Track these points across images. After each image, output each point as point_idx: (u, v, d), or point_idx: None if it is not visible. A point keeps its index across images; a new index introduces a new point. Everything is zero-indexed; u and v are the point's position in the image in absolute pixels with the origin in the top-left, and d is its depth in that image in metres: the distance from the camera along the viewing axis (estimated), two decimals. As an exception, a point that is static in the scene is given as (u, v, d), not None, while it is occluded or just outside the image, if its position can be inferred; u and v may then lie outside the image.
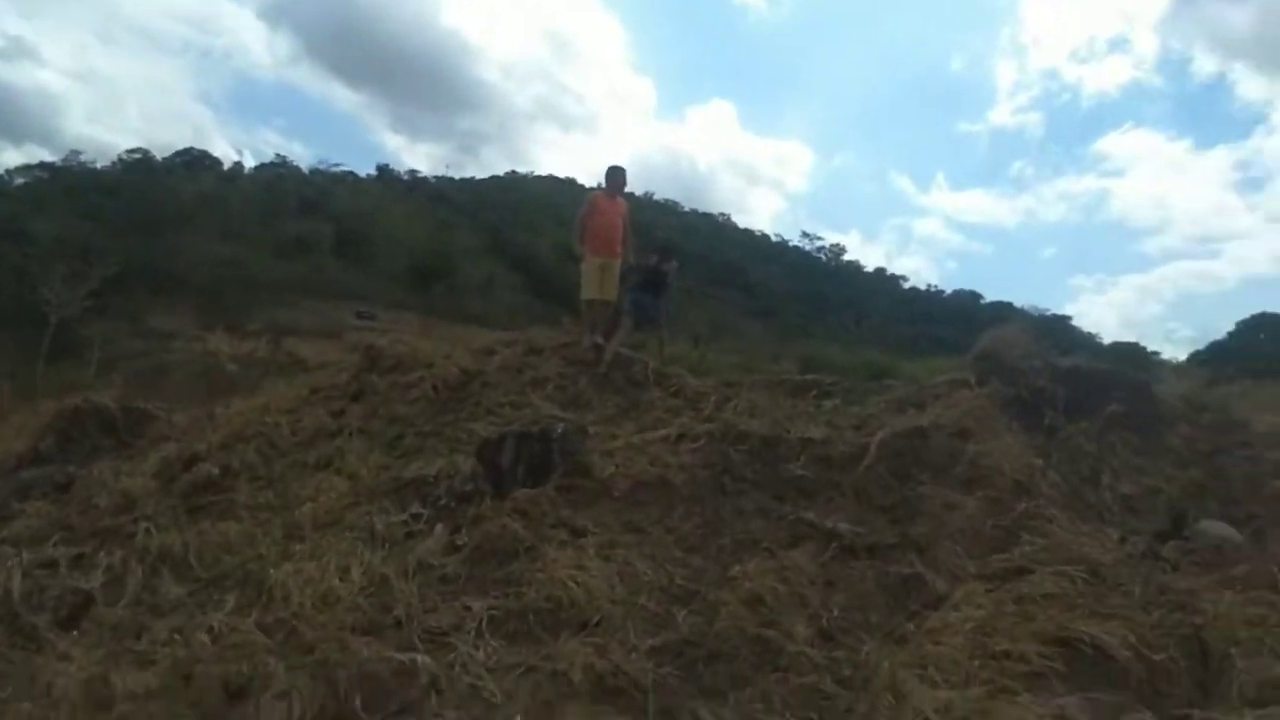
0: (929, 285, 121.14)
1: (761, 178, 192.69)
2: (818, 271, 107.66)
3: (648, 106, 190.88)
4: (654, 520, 4.52)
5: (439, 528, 4.71)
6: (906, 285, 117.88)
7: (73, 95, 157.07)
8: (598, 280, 8.04)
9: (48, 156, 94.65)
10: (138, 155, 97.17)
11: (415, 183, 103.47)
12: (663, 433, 5.46)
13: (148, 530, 5.55)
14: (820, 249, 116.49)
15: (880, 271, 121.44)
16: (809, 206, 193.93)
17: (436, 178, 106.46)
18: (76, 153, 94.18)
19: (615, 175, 8.37)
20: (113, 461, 7.45)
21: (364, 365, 8.03)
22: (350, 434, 6.80)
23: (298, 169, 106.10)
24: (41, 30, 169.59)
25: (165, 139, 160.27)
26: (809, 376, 9.02)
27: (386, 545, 4.67)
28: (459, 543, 4.52)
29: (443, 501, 4.97)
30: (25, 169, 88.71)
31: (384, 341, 8.34)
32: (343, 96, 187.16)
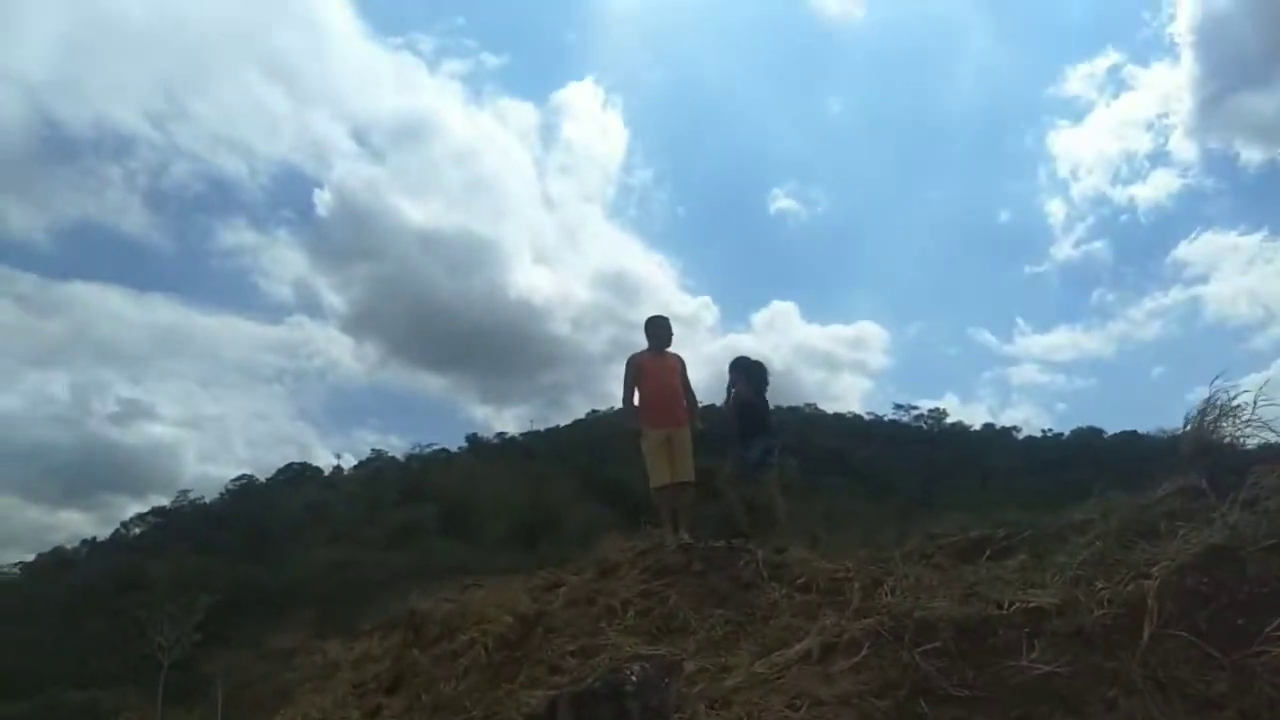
0: (1044, 430, 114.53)
1: (841, 363, 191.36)
2: (923, 441, 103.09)
3: (712, 322, 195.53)
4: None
5: None
6: (1021, 436, 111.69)
7: (185, 441, 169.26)
8: (665, 458, 6.40)
9: (163, 503, 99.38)
10: (243, 481, 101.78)
11: (504, 444, 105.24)
12: (800, 647, 3.52)
13: None
14: (919, 417, 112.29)
15: (989, 427, 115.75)
16: (896, 380, 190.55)
17: (523, 435, 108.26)
18: (185, 492, 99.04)
19: (656, 326, 6.93)
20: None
21: (406, 641, 6.32)
22: (385, 742, 5.01)
23: (394, 459, 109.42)
24: (152, 390, 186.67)
25: (271, 461, 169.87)
26: (973, 534, 6.94)
27: None
28: None
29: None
30: (140, 518, 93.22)
31: (426, 605, 6.65)
32: (432, 383, 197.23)
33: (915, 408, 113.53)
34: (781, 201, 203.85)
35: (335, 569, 65.49)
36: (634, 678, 3.12)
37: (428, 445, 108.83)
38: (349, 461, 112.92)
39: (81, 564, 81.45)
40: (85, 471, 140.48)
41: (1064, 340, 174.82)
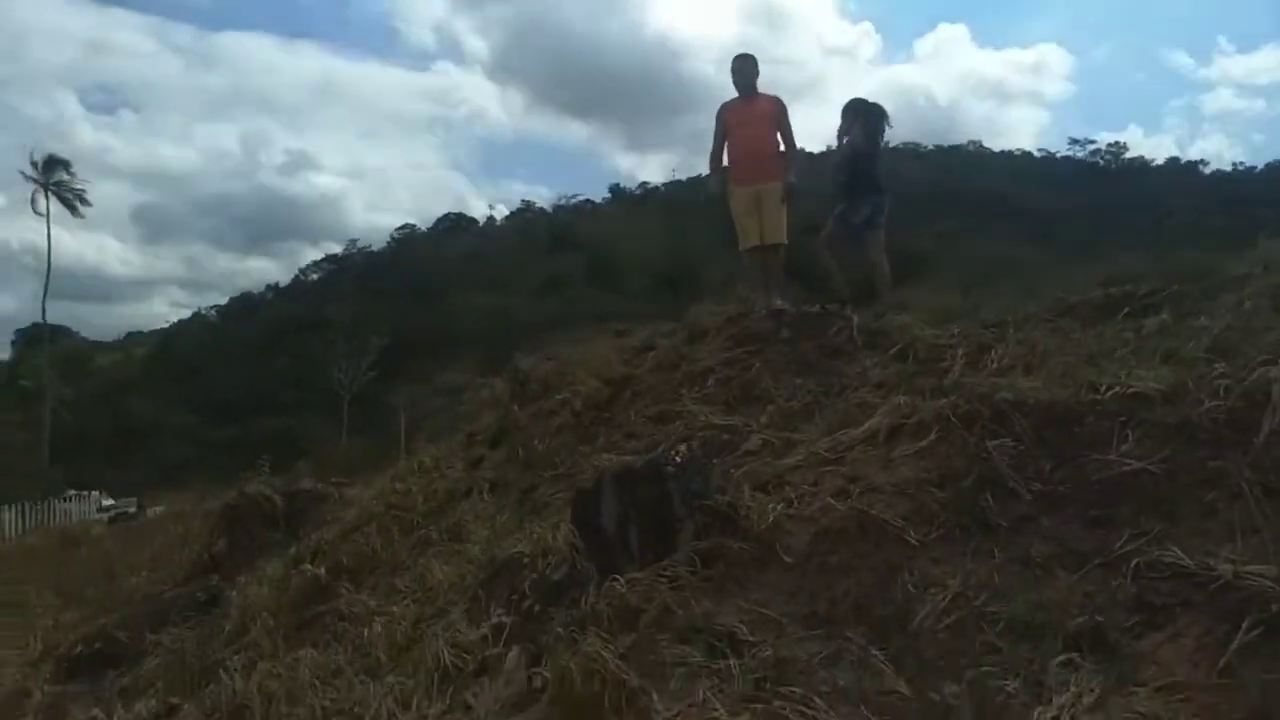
0: (1235, 164, 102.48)
1: (1014, 94, 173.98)
2: (1098, 179, 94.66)
3: (872, 52, 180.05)
4: (855, 606, 2.39)
5: (513, 654, 2.90)
6: (1209, 171, 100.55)
7: (349, 190, 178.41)
8: (755, 217, 5.92)
9: (336, 249, 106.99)
10: (406, 230, 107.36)
11: (646, 194, 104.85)
12: (867, 426, 3.25)
13: (231, 669, 4.31)
14: (1095, 153, 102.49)
15: (1174, 162, 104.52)
16: (1076, 112, 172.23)
17: (666, 185, 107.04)
18: (354, 240, 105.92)
19: (742, 66, 6.15)
20: (267, 562, 6.50)
21: (510, 396, 6.51)
22: (482, 492, 5.26)
23: (543, 210, 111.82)
24: (314, 141, 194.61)
25: (431, 210, 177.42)
26: (1112, 291, 6.25)
27: (450, 688, 2.96)
28: (537, 683, 2.69)
29: (528, 602, 3.16)
30: (315, 265, 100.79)
31: (529, 362, 6.75)
32: (576, 131, 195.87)
33: (1093, 142, 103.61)
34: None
35: (492, 315, 69.57)
36: (678, 458, 2.97)
37: (573, 196, 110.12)
38: (501, 211, 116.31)
39: (267, 307, 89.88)
40: (263, 220, 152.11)
41: (1270, 61, 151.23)
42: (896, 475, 2.81)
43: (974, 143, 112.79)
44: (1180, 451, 2.42)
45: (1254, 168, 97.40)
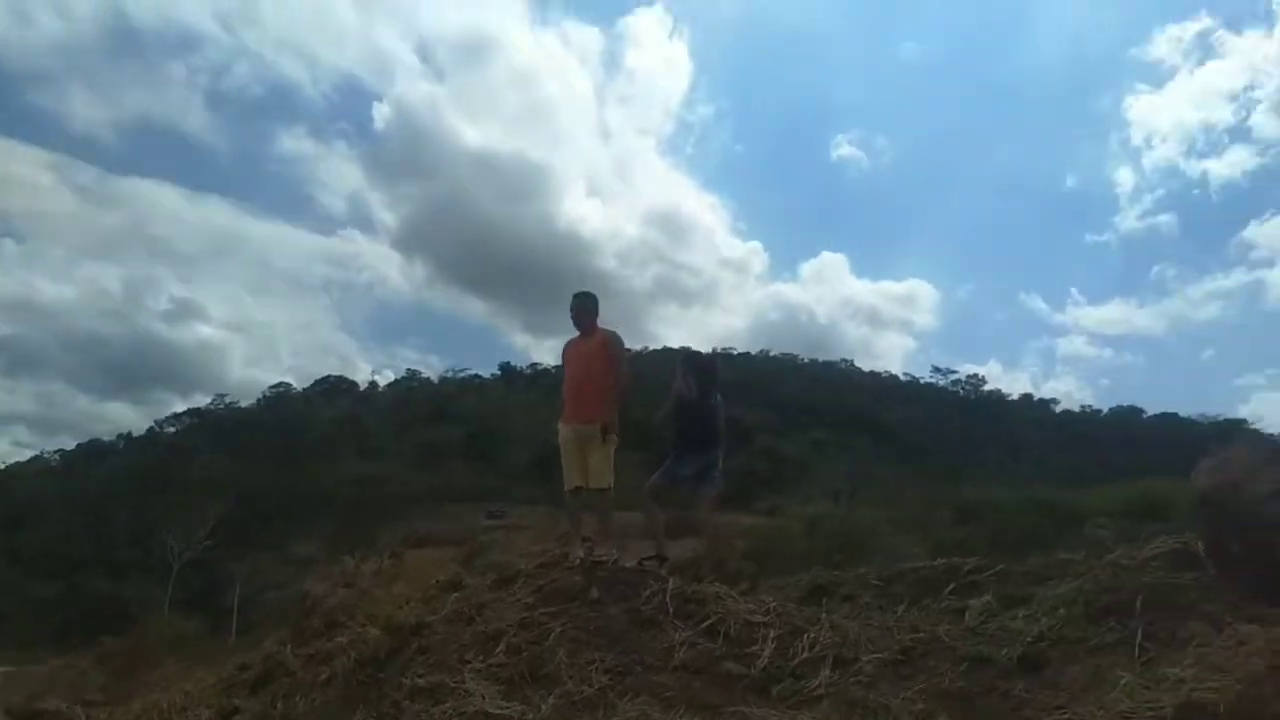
0: (1083, 406, 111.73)
1: (887, 321, 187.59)
2: (959, 407, 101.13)
3: (760, 269, 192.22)
4: None
5: None
6: (1059, 409, 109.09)
7: (233, 345, 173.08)
8: (577, 458, 5.64)
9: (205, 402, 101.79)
10: (280, 389, 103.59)
11: (536, 375, 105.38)
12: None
13: None
14: (956, 382, 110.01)
15: (1028, 398, 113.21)
16: (940, 342, 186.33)
17: (557, 368, 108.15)
18: (222, 395, 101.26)
19: (579, 305, 6.05)
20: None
21: (291, 630, 5.76)
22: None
23: (428, 380, 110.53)
24: (203, 291, 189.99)
25: (313, 370, 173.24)
26: (938, 563, 6.14)
27: None
28: None
29: None
30: (175, 417, 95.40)
31: (322, 588, 6.05)
32: (475, 308, 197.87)
33: (954, 372, 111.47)
34: (844, 149, 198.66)
35: (361, 483, 66.51)
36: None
37: (462, 369, 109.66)
38: (386, 378, 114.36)
39: (115, 456, 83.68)
40: (135, 366, 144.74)
41: (1117, 314, 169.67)
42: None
43: (846, 361, 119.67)
44: None
45: (1099, 411, 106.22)
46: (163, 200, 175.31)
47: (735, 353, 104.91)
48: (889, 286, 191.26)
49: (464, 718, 3.60)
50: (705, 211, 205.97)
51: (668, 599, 4.57)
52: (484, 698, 3.74)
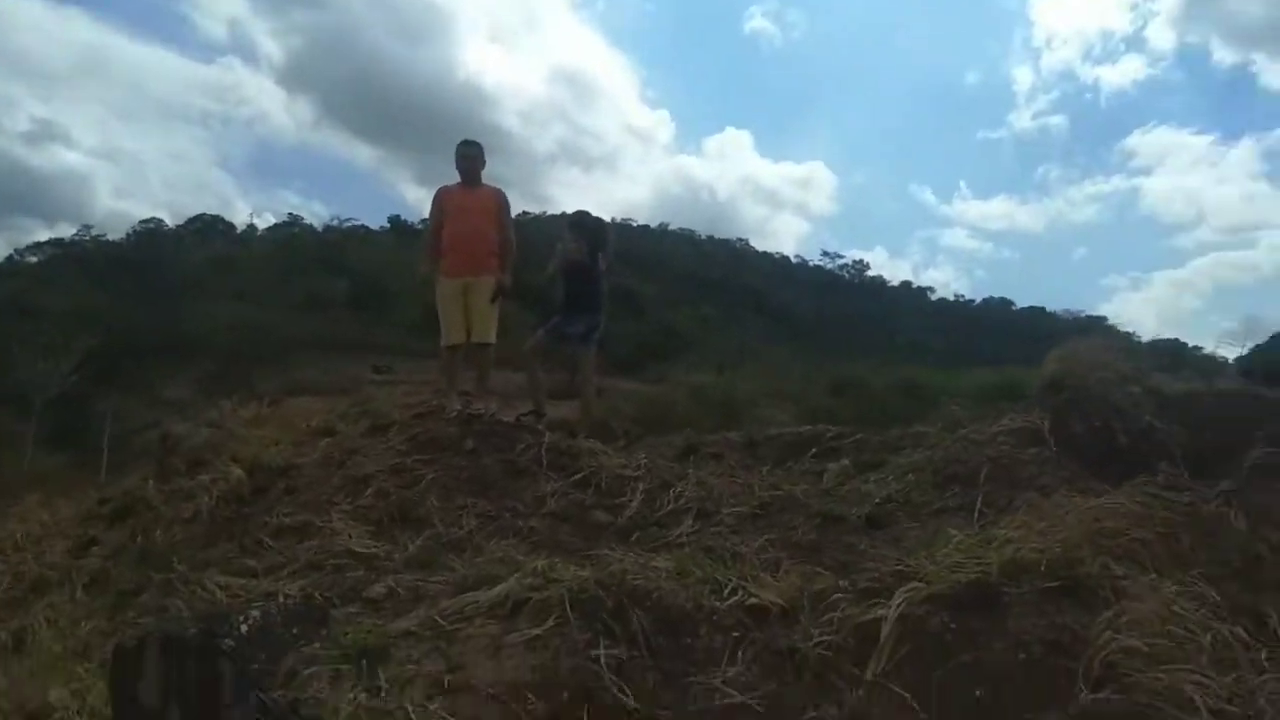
0: (958, 295, 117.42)
1: (784, 202, 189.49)
2: (843, 290, 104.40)
3: (666, 139, 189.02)
4: None
5: None
6: (935, 297, 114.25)
7: (100, 173, 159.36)
8: (459, 312, 5.55)
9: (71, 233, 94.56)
10: (150, 225, 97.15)
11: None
12: (499, 591, 2.87)
13: None
14: (843, 267, 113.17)
15: (907, 285, 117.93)
16: (833, 227, 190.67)
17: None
18: (88, 226, 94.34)
19: (468, 153, 5.84)
20: None
21: (155, 465, 5.61)
22: (75, 587, 4.35)
23: (312, 227, 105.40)
24: (67, 113, 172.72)
25: (190, 208, 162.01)
26: (804, 429, 6.44)
27: None
28: None
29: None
30: (36, 246, 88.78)
31: (184, 427, 5.89)
32: (364, 154, 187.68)
33: (841, 256, 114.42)
34: (758, 21, 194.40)
35: (239, 328, 63.91)
36: (244, 626, 2.43)
37: (348, 219, 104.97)
38: (266, 221, 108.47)
39: (-29, 285, 77.47)
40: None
41: (1000, 209, 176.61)
42: (500, 671, 2.44)
43: (742, 240, 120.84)
44: (785, 686, 2.23)
45: (973, 301, 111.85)
46: (21, 11, 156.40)
47: (635, 224, 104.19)
48: (789, 168, 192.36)
49: (330, 555, 3.63)
50: (615, 73, 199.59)
51: (542, 451, 4.65)
52: (350, 536, 3.78)
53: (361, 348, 58.74)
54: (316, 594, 3.20)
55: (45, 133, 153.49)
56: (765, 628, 2.40)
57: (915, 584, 2.34)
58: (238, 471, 4.63)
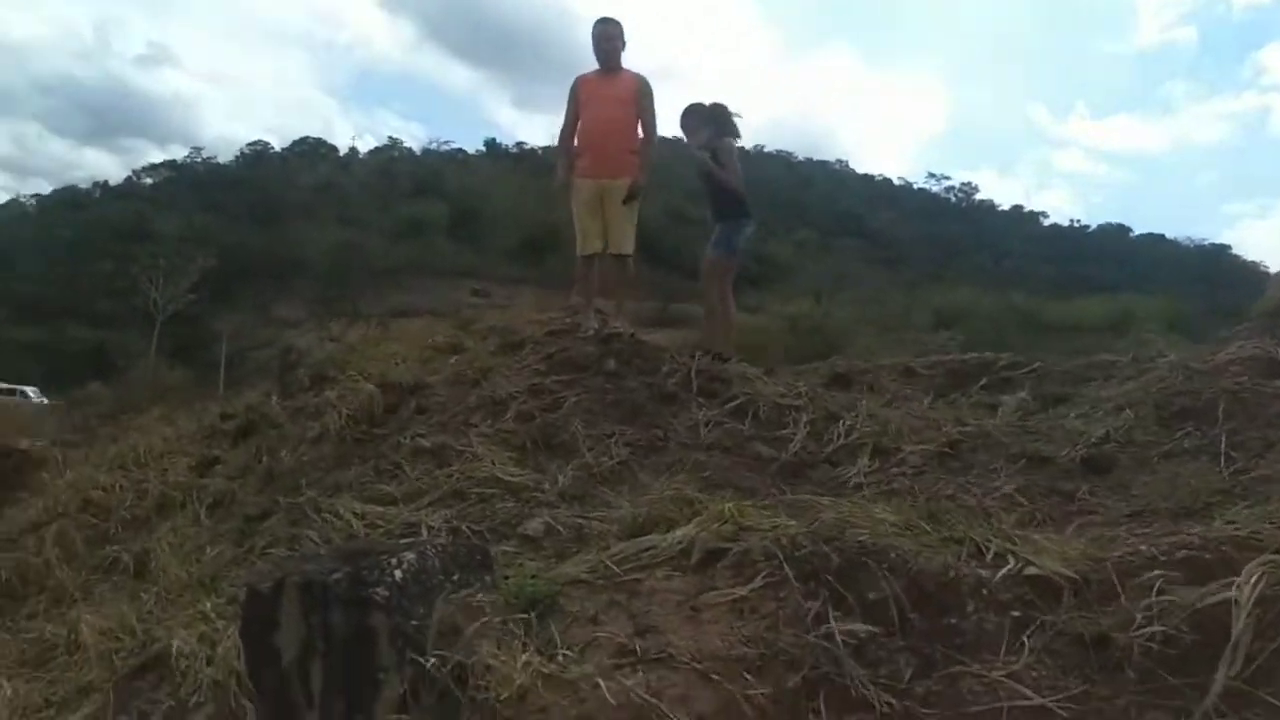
0: (1072, 220, 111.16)
1: (889, 119, 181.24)
2: (947, 213, 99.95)
3: (770, 54, 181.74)
4: None
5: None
6: (1047, 222, 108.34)
7: (210, 96, 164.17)
8: (596, 218, 5.00)
9: (182, 154, 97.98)
10: (258, 148, 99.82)
11: (523, 154, 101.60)
12: (679, 536, 2.41)
13: None
14: (949, 189, 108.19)
15: (1018, 209, 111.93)
16: (941, 146, 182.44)
17: (545, 148, 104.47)
18: (199, 149, 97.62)
19: (605, 32, 5.14)
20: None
21: (276, 381, 5.36)
22: (200, 508, 4.13)
23: (410, 150, 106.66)
24: (178, 36, 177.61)
25: (293, 130, 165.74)
26: (968, 356, 5.78)
27: None
28: None
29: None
30: (152, 168, 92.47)
31: (306, 340, 5.62)
32: (463, 76, 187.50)
33: (948, 178, 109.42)
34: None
35: (341, 250, 65.43)
36: (398, 571, 2.03)
37: (445, 142, 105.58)
38: (367, 144, 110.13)
39: (93, 205, 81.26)
40: (109, 111, 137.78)
41: (1119, 130, 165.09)
42: (702, 639, 1.98)
43: (841, 162, 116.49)
44: (1096, 687, 1.70)
45: (1088, 227, 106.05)
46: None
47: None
48: (898, 81, 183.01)
49: (474, 482, 3.24)
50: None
51: (692, 375, 4.15)
52: (495, 463, 3.38)
53: (459, 273, 59.37)
54: (464, 526, 2.82)
55: (158, 56, 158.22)
56: (1054, 608, 1.86)
57: (1270, 556, 1.75)
58: (369, 387, 4.29)
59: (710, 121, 5.24)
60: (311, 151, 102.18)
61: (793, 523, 2.28)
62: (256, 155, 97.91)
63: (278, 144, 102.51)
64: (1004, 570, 1.93)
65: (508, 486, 3.20)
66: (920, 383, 5.36)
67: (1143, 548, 1.94)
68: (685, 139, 5.51)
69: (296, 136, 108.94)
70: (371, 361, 4.92)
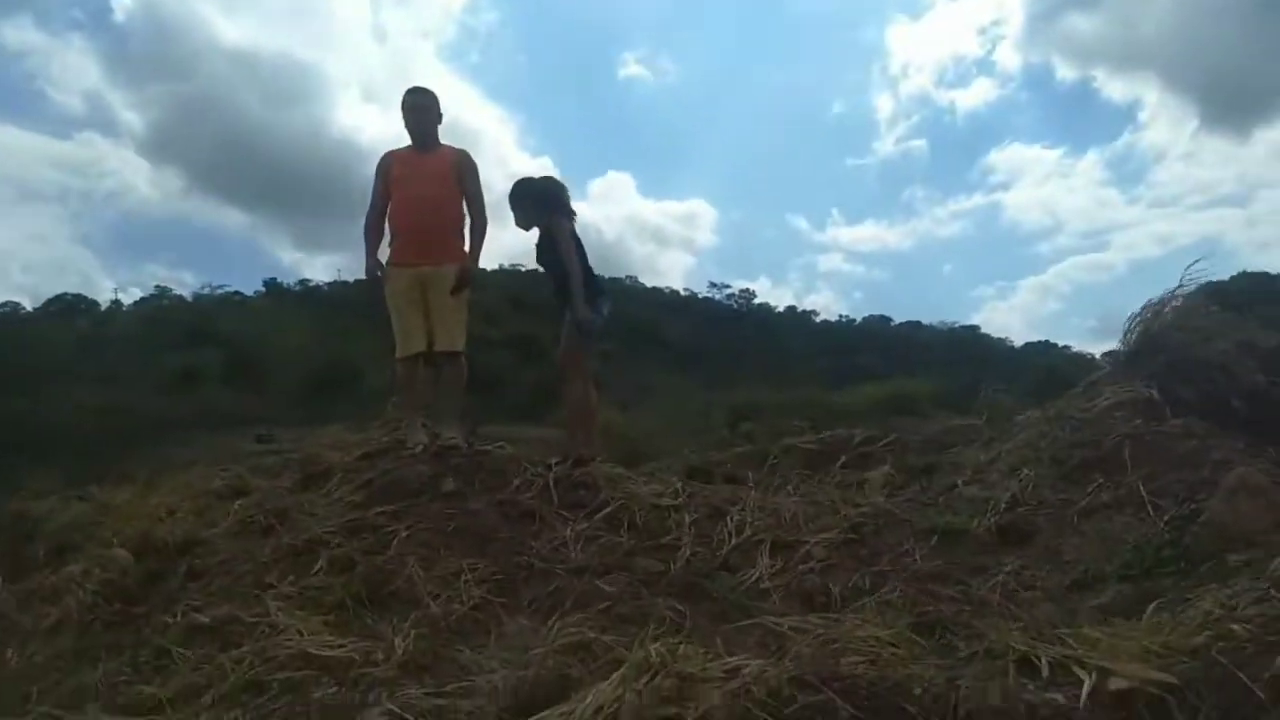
0: (840, 316, 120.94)
1: (669, 239, 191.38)
2: (731, 319, 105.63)
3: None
4: None
5: None
6: (819, 319, 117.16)
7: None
8: (418, 312, 4.26)
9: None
10: (6, 308, 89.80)
11: (306, 292, 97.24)
12: (592, 713, 1.70)
13: None
14: (729, 297, 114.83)
15: (791, 310, 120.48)
16: (717, 260, 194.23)
17: (329, 284, 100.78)
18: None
19: (423, 104, 4.46)
20: None
21: (4, 562, 4.11)
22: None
23: (181, 297, 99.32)
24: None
25: (48, 289, 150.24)
26: (825, 435, 5.47)
27: None
28: None
29: None
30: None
31: (44, 505, 4.42)
32: (236, 220, 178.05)
33: (728, 286, 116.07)
34: (631, 68, 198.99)
35: (103, 413, 59.11)
36: None
37: (219, 286, 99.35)
38: (132, 295, 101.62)
39: None
40: None
41: (870, 233, 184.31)
42: None
43: (631, 277, 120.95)
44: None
45: (854, 320, 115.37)
46: None
47: (523, 270, 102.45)
48: (671, 206, 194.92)
49: (275, 664, 2.34)
50: (492, 123, 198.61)
51: (551, 485, 3.45)
52: (303, 634, 2.49)
53: (239, 421, 55.05)
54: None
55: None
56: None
57: None
58: (122, 553, 3.23)
59: (542, 199, 4.58)
60: (69, 308, 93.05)
61: (754, 661, 1.63)
62: (5, 316, 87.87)
63: (30, 304, 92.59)
64: (1085, 688, 1.37)
65: (324, 665, 2.31)
66: (779, 467, 4.96)
67: (1234, 627, 1.45)
68: (514, 218, 4.76)
69: (51, 295, 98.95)
70: (131, 521, 3.82)
